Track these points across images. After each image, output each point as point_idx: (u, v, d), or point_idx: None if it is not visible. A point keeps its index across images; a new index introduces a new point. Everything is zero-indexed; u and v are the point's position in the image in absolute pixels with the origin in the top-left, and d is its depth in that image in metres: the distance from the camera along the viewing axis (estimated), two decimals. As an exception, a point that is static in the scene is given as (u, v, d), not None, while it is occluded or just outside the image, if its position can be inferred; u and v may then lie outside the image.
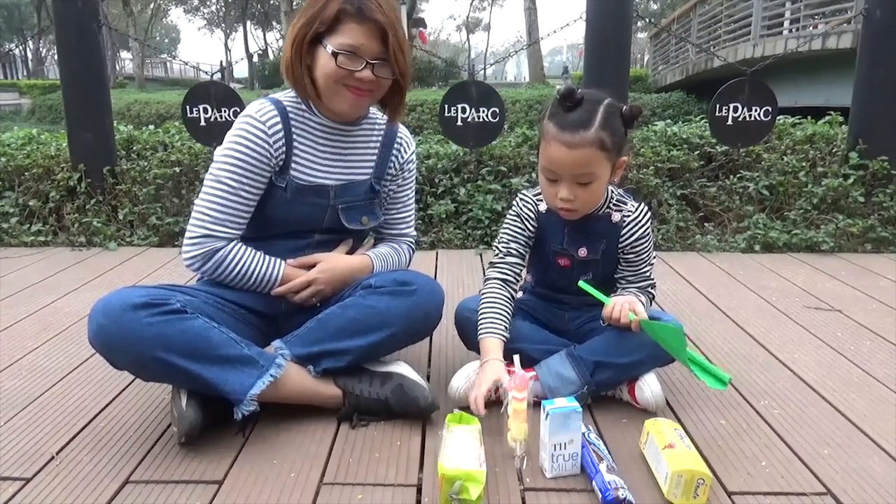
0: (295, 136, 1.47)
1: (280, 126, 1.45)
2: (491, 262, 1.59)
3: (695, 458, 1.18)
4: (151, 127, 3.97)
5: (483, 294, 1.54)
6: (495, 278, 1.55)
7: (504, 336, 1.47)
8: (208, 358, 1.28)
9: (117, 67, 33.83)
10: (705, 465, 1.19)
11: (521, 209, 1.57)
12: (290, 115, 1.47)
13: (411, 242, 1.72)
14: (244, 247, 1.47)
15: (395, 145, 1.61)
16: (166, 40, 58.98)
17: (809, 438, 1.39)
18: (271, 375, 1.33)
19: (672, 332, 1.36)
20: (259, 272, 1.46)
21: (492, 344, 1.45)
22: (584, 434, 1.27)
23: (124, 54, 40.70)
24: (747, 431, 1.42)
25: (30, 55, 40.84)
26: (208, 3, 41.98)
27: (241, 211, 1.45)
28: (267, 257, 1.48)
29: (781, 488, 1.21)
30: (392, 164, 1.61)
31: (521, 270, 1.58)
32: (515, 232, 1.58)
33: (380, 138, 1.59)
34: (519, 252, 1.57)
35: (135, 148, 3.56)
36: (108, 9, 27.93)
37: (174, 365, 1.25)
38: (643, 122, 4.83)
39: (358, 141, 1.56)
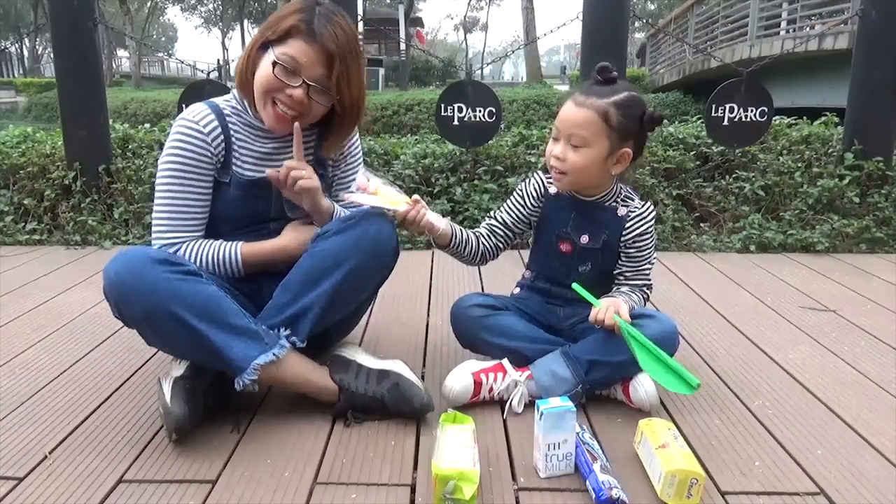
0: (233, 134, 1.48)
1: (216, 124, 1.45)
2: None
3: (688, 458, 1.18)
4: (147, 125, 3.96)
5: None
6: (474, 231, 1.63)
7: (461, 232, 1.57)
8: (218, 322, 1.29)
9: (114, 66, 33.72)
10: (699, 464, 1.19)
11: (527, 185, 1.62)
12: (227, 115, 1.48)
13: None
14: (197, 242, 1.48)
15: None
16: (163, 38, 58.86)
17: (803, 438, 1.39)
18: (274, 354, 1.34)
19: (634, 339, 1.39)
20: (217, 256, 1.47)
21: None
22: (578, 434, 1.27)
23: (121, 52, 40.60)
24: (741, 431, 1.42)
25: (26, 53, 40.72)
26: (205, 1, 41.90)
27: (192, 213, 1.46)
28: (222, 242, 1.49)
29: (775, 488, 1.22)
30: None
31: (499, 238, 1.64)
32: (511, 205, 1.64)
33: (317, 128, 1.58)
34: (503, 221, 1.64)
35: (130, 146, 3.54)
36: (104, 7, 27.86)
37: (185, 322, 1.26)
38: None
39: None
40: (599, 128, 1.41)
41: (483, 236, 1.63)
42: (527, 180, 1.64)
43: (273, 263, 1.51)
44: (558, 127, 1.47)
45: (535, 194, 1.61)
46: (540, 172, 1.64)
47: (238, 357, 1.30)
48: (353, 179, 1.66)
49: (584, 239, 1.56)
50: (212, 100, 1.50)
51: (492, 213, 1.68)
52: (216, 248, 1.48)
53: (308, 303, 1.41)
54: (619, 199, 1.57)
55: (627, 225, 1.55)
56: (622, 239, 1.56)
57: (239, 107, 1.51)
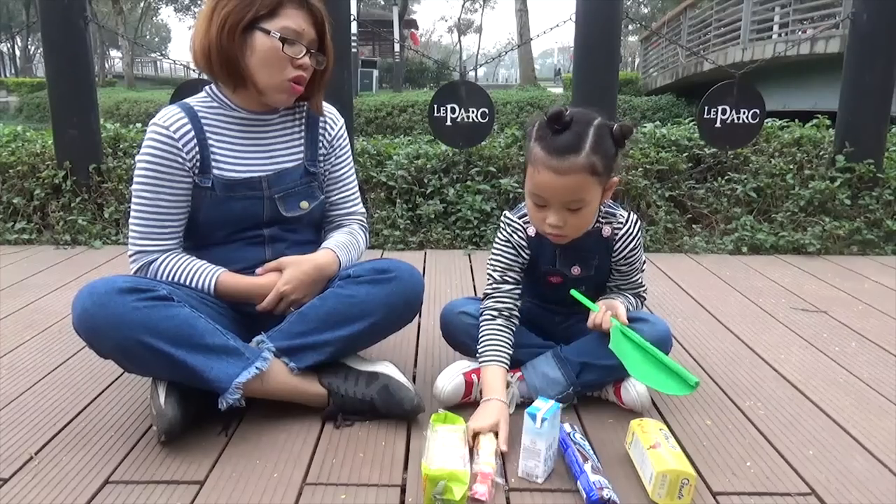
0: (209, 135, 1.44)
1: (189, 127, 1.42)
2: (485, 293, 1.54)
3: (679, 459, 1.18)
4: (139, 125, 3.93)
5: (482, 325, 1.50)
6: (493, 309, 1.50)
7: (506, 364, 1.44)
8: (194, 345, 1.27)
9: (107, 66, 33.59)
10: (690, 465, 1.19)
11: (510, 236, 1.52)
12: (201, 115, 1.45)
13: (362, 220, 1.69)
14: (176, 258, 1.44)
15: (321, 124, 1.59)
16: (156, 39, 58.66)
17: (794, 439, 1.39)
18: (257, 367, 1.32)
19: (622, 342, 1.37)
20: (192, 281, 1.43)
21: (494, 375, 1.41)
22: (569, 434, 1.27)
23: (114, 53, 40.44)
24: (732, 432, 1.42)
25: (18, 53, 40.52)
26: (199, 2, 41.78)
27: (166, 221, 1.43)
28: (200, 270, 1.43)
29: (766, 488, 1.21)
30: (322, 144, 1.59)
31: (519, 294, 1.53)
32: (510, 259, 1.52)
33: (302, 121, 1.57)
34: (515, 279, 1.53)
35: (121, 146, 3.52)
36: (97, 7, 27.72)
37: (159, 350, 1.24)
38: (636, 125, 4.86)
39: (280, 128, 1.53)
40: (591, 182, 1.31)
41: (514, 310, 1.52)
42: (505, 231, 1.52)
43: (251, 299, 1.46)
44: (544, 197, 1.34)
45: (523, 244, 1.51)
46: (510, 218, 1.53)
47: (218, 377, 1.28)
48: (344, 174, 1.64)
49: (576, 270, 1.52)
50: (185, 100, 1.47)
51: (491, 272, 1.54)
52: (191, 275, 1.43)
53: (322, 341, 1.40)
54: (601, 219, 1.48)
55: (616, 246, 1.50)
56: (612, 259, 1.52)
57: (214, 102, 1.47)
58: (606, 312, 1.42)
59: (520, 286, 1.54)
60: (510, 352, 1.47)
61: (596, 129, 1.31)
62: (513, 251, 1.52)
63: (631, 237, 1.49)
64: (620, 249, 1.50)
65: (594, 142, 1.30)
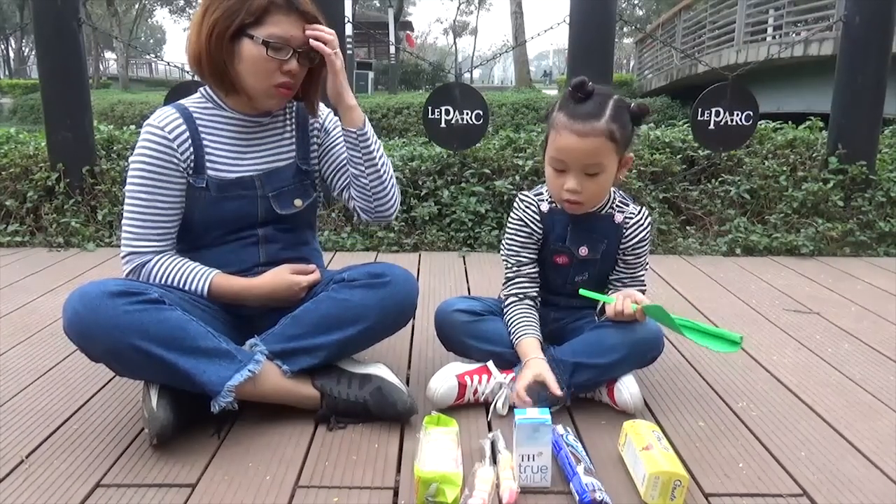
0: (204, 135, 1.44)
1: (184, 127, 1.41)
2: (506, 277, 1.58)
3: (672, 460, 1.18)
4: (133, 126, 3.92)
5: (507, 310, 1.55)
6: (515, 294, 1.56)
7: (539, 337, 1.49)
8: (186, 349, 1.26)
9: (101, 68, 33.48)
10: (682, 466, 1.19)
11: (523, 213, 1.56)
12: (195, 115, 1.44)
13: None
14: (169, 260, 1.43)
15: (311, 122, 1.58)
16: (151, 41, 58.50)
17: (787, 440, 1.40)
18: (249, 370, 1.32)
19: (660, 311, 1.40)
20: (185, 284, 1.42)
21: (530, 343, 1.47)
22: (562, 436, 1.27)
23: (109, 55, 40.34)
24: (725, 433, 1.42)
25: (12, 54, 40.39)
26: (194, 3, 41.74)
27: (161, 222, 1.42)
28: (193, 272, 1.43)
29: (758, 490, 1.22)
30: (315, 137, 1.58)
31: (537, 275, 1.58)
32: (523, 239, 1.56)
33: (293, 120, 1.56)
34: (531, 259, 1.56)
35: (115, 148, 3.51)
36: (91, 8, 27.66)
37: (151, 354, 1.23)
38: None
39: (272, 128, 1.53)
40: (609, 148, 1.39)
41: (535, 289, 1.57)
42: (519, 209, 1.56)
43: (243, 301, 1.47)
44: (564, 160, 1.41)
45: (536, 218, 1.55)
46: (524, 194, 1.58)
47: (211, 380, 1.28)
48: (339, 150, 1.59)
49: (583, 251, 1.54)
50: (179, 101, 1.47)
51: (506, 257, 1.58)
52: (186, 274, 1.42)
53: (315, 344, 1.40)
54: (614, 206, 1.54)
55: (626, 233, 1.54)
56: (621, 247, 1.55)
57: (209, 103, 1.47)
58: (626, 299, 1.44)
59: (536, 264, 1.57)
60: (539, 328, 1.52)
61: (615, 102, 1.41)
62: (525, 229, 1.55)
63: (641, 227, 1.54)
64: (630, 237, 1.54)
65: (613, 112, 1.39)
